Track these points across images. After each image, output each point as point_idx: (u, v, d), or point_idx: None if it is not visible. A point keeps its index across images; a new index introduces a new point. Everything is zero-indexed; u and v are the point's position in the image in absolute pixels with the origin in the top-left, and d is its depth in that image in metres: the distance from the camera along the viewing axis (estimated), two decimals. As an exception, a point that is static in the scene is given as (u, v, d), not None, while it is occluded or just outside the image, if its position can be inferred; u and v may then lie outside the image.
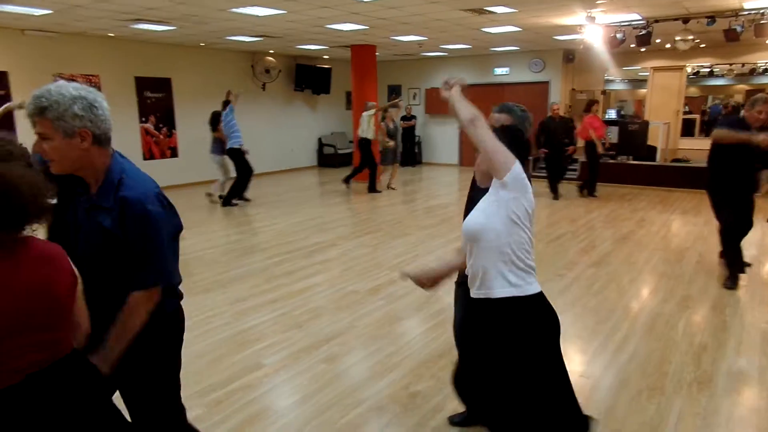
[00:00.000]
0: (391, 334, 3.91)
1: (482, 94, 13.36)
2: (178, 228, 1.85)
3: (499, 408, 2.07)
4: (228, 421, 2.82)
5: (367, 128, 9.87)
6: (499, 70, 13.23)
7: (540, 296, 1.96)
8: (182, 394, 2.71)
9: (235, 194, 8.85)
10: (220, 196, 8.93)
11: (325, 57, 13.45)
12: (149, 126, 10.44)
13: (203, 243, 6.66)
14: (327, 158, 14.14)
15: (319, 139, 14.21)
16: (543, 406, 1.96)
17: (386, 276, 5.25)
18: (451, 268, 2.29)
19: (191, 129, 11.12)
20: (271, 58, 12.27)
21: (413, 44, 11.02)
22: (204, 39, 9.99)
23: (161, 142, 10.68)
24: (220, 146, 8.75)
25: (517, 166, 1.87)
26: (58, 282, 1.45)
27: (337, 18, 7.93)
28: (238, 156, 8.63)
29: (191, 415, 2.80)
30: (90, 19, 7.75)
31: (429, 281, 2.29)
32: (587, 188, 9.50)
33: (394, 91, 14.70)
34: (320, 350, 3.65)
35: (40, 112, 1.61)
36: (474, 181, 2.25)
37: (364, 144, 9.92)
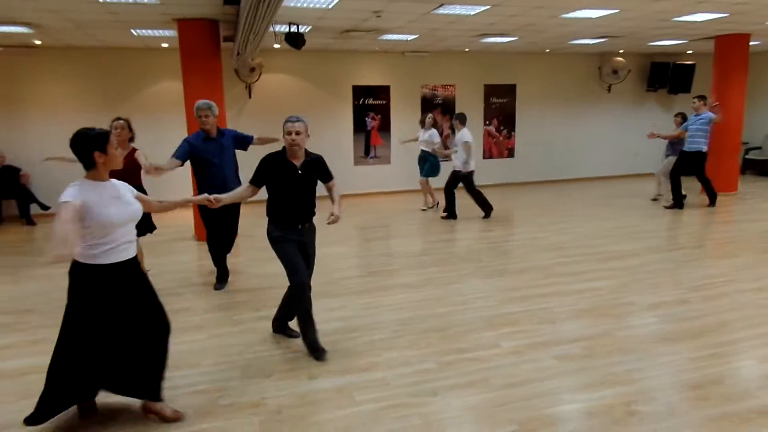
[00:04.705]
0: (644, 352, 3.63)
1: None
2: None
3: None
4: (449, 380, 3.29)
5: None
6: None
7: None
8: (427, 350, 3.49)
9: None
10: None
11: (688, 52, 12.01)
12: (491, 129, 11.56)
13: (506, 237, 7.21)
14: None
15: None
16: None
17: (678, 295, 4.71)
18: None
19: (529, 132, 11.76)
20: (620, 59, 11.73)
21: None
22: (548, 45, 10.40)
23: (500, 143, 11.68)
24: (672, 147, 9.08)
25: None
26: None
27: (682, 9, 7.14)
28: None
29: (424, 366, 3.42)
30: (448, 38, 9.18)
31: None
32: None
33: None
34: (559, 347, 3.72)
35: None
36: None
37: None
